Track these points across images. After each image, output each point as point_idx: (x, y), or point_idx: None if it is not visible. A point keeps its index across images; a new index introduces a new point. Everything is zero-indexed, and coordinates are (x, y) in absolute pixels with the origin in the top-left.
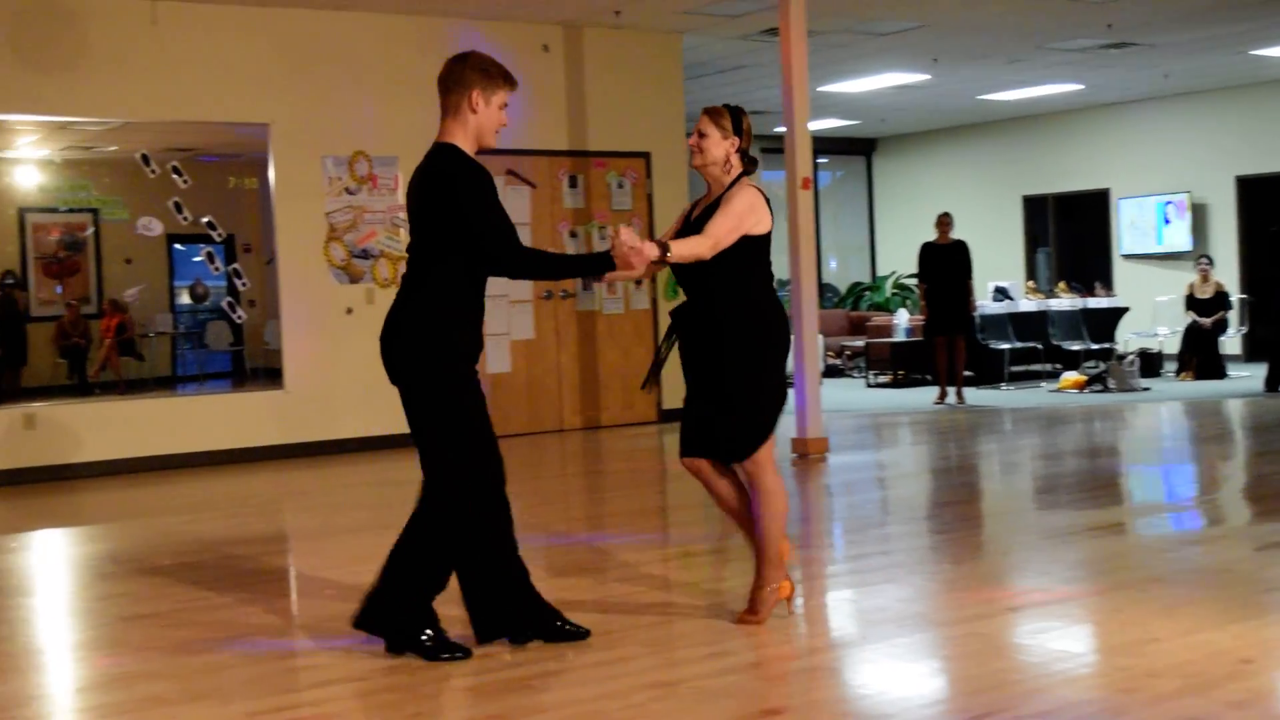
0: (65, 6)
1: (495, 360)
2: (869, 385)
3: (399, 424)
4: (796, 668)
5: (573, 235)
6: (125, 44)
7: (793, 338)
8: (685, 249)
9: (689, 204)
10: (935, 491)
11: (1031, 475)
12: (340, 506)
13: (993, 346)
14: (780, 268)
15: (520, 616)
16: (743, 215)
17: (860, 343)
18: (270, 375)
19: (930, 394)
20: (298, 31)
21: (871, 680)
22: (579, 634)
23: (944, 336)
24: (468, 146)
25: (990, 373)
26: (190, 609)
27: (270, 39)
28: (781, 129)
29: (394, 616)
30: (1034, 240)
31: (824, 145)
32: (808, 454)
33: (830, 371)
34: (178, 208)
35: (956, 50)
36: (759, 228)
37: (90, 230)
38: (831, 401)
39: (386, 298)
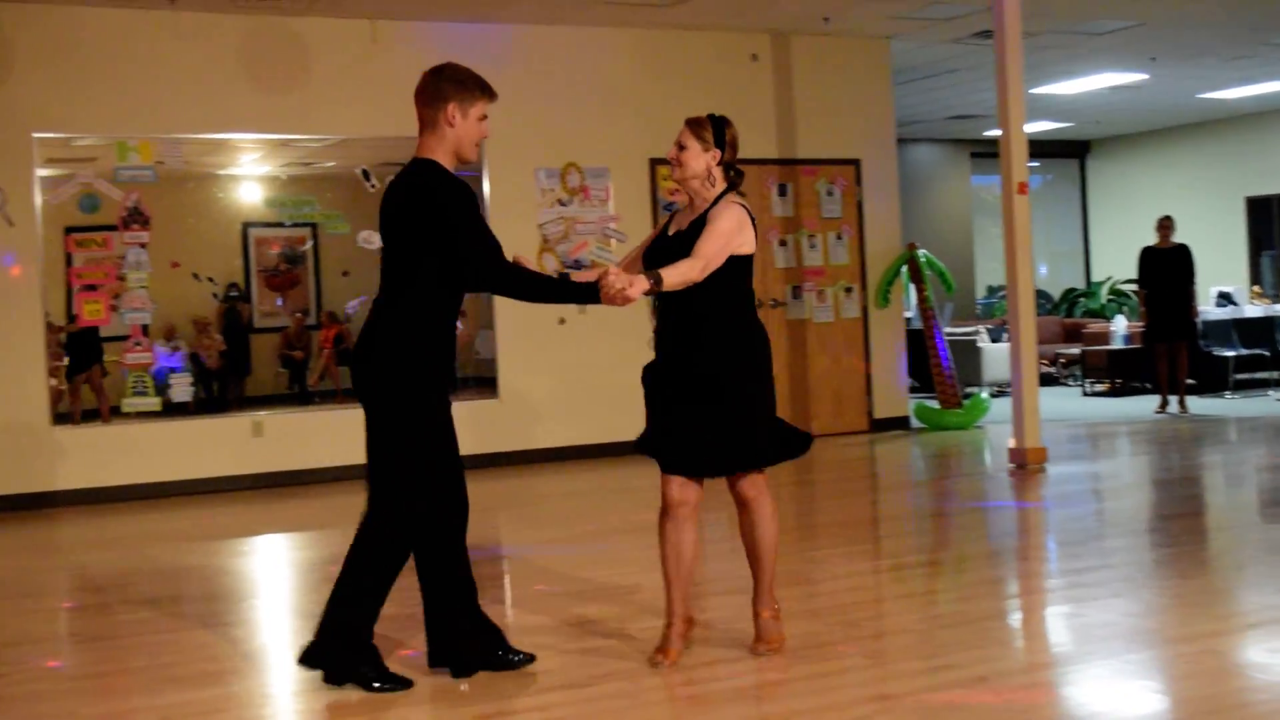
0: (291, 29)
1: None
2: (1085, 394)
3: (612, 433)
4: (1021, 683)
5: (782, 244)
6: (346, 63)
7: (982, 348)
8: (677, 276)
9: (665, 217)
10: (1158, 504)
11: (1259, 488)
12: (556, 515)
13: (1216, 353)
14: (996, 274)
15: (467, 650)
16: (730, 234)
17: (1075, 350)
18: (480, 384)
19: (1150, 403)
20: (510, 45)
21: (1100, 698)
22: (524, 661)
23: (1165, 344)
24: (447, 161)
25: (1213, 381)
26: (412, 614)
27: (484, 53)
28: (992, 133)
29: (334, 647)
30: (1258, 243)
31: (1035, 149)
32: (1025, 464)
33: (1044, 380)
34: None
35: (1176, 48)
36: (744, 247)
37: (309, 244)
38: (1047, 410)
39: (598, 309)
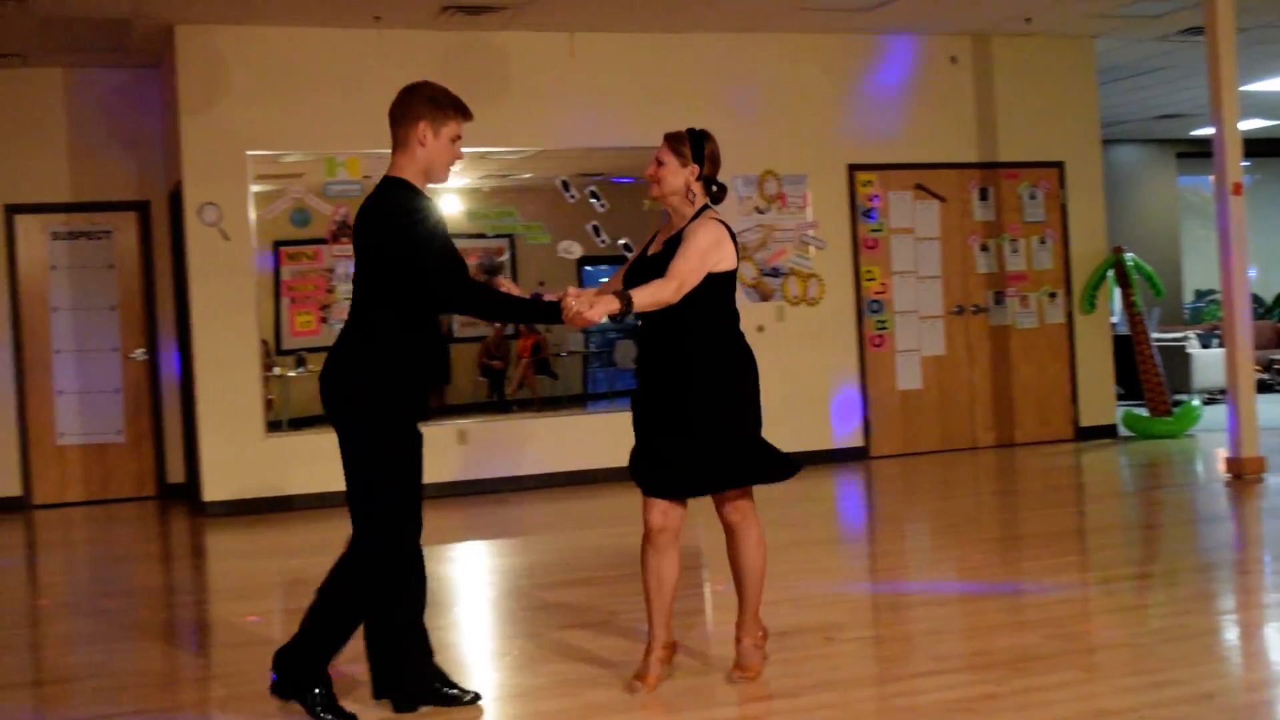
0: (491, 43)
1: (905, 377)
2: None
3: (810, 440)
4: (1246, 701)
5: (984, 249)
6: (544, 75)
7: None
8: (647, 296)
9: (649, 236)
10: None
11: None
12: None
13: None
14: (1204, 277)
15: (413, 683)
16: (706, 252)
17: None
18: None
19: None
20: (706, 54)
21: None
22: (467, 699)
23: None
24: (417, 181)
25: None
26: (621, 620)
27: (680, 63)
28: (1200, 132)
29: (294, 662)
30: None
31: (1244, 147)
32: (1242, 474)
33: (1259, 387)
34: (595, 231)
35: None
36: (723, 264)
37: (506, 255)
38: (1263, 418)
39: (797, 315)
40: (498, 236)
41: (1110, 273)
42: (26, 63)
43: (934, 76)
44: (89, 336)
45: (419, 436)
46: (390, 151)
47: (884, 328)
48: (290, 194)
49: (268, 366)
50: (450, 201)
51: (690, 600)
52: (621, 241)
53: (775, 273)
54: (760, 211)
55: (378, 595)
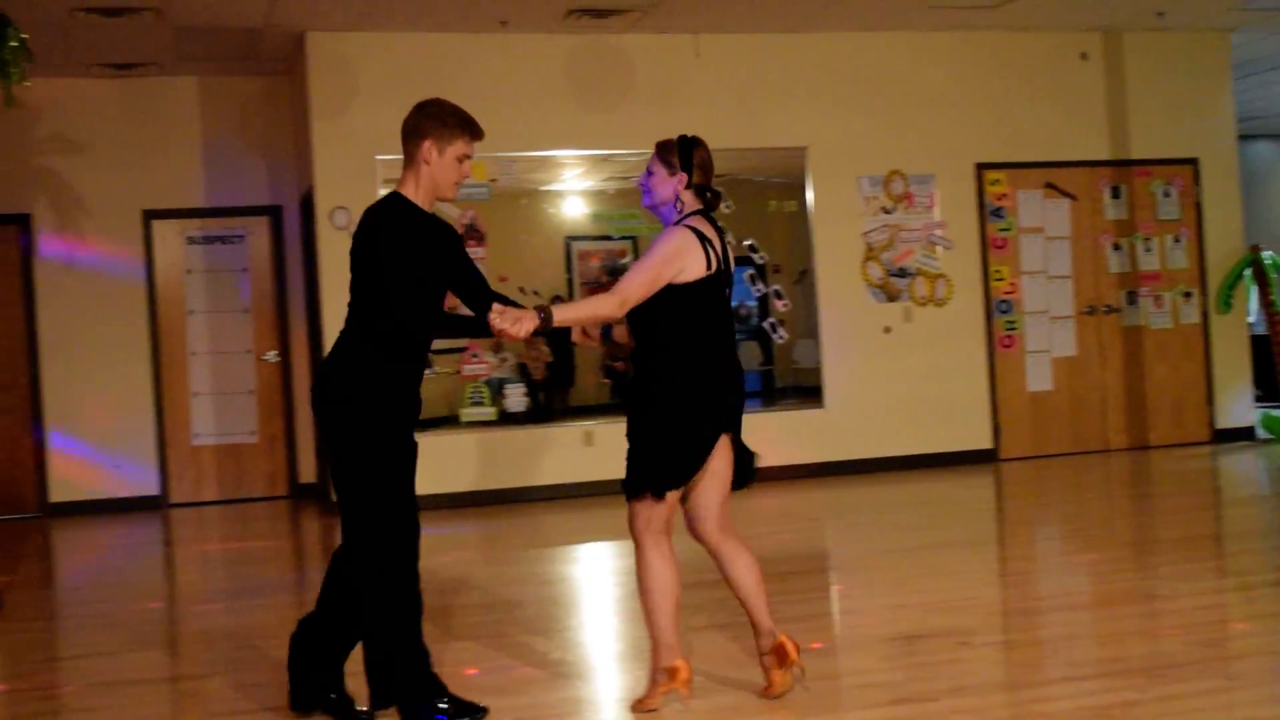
0: (616, 46)
1: (1036, 378)
2: None
3: (942, 443)
4: None
5: (1116, 248)
6: (669, 78)
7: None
8: (578, 312)
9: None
10: None
11: None
12: (883, 526)
13: None
14: None
15: (416, 693)
16: (661, 265)
17: None
18: (799, 393)
19: None
20: (832, 54)
21: None
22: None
23: None
24: (420, 198)
25: None
26: (748, 622)
27: (805, 63)
28: None
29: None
30: None
31: None
32: None
33: None
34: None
35: None
36: (685, 275)
37: (629, 256)
38: None
39: (925, 315)
40: (622, 238)
41: (1247, 271)
42: (163, 71)
43: (1064, 73)
44: (223, 339)
45: (413, 444)
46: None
47: (1013, 328)
48: None
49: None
50: (575, 204)
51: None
52: (747, 242)
53: (902, 273)
54: (887, 211)
55: (376, 602)
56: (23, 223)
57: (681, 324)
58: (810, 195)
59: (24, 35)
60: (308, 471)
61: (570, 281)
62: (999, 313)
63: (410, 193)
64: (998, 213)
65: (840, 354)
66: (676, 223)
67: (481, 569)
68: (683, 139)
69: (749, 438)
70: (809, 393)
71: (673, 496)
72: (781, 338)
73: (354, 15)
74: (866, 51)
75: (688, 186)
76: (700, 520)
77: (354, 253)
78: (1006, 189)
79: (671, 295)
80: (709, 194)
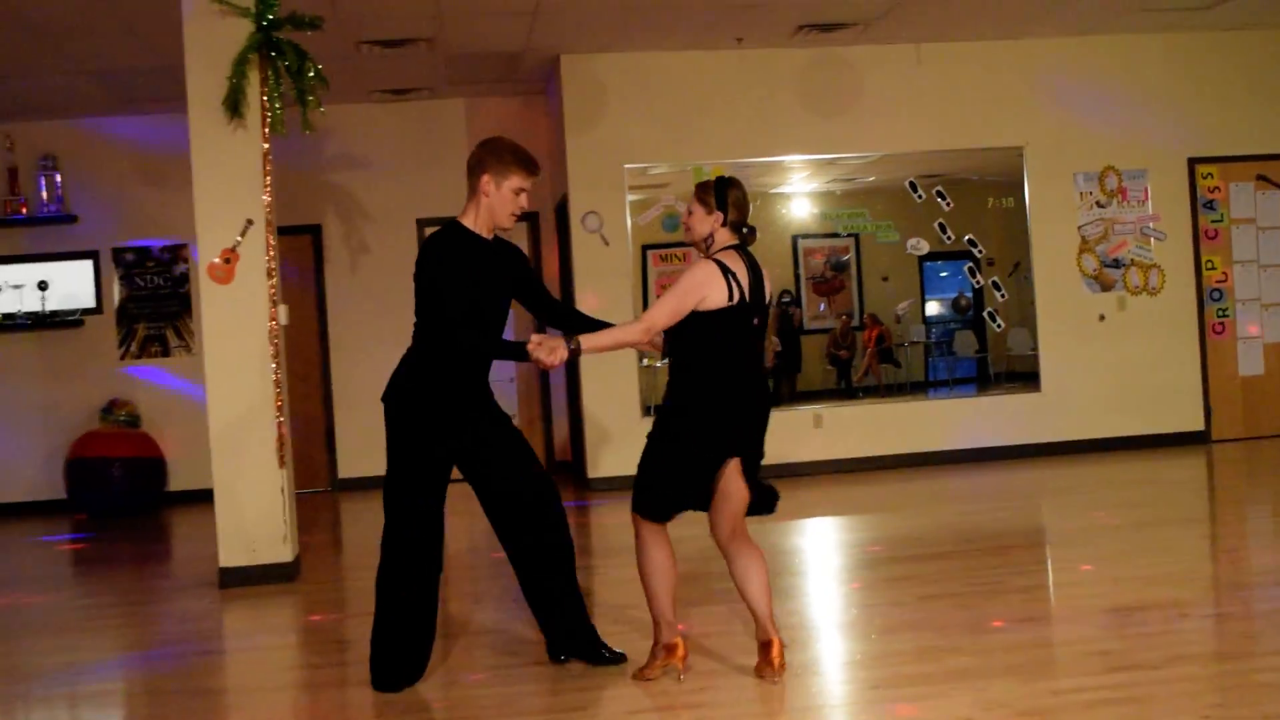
0: (842, 57)
1: (1247, 363)
2: None
3: (1153, 424)
4: None
5: None
6: (892, 84)
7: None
8: (606, 340)
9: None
10: None
11: None
12: (1100, 504)
13: None
14: None
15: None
16: (684, 295)
17: None
18: (1012, 379)
19: None
20: (1048, 57)
21: None
22: None
23: None
24: (479, 226)
25: None
26: (980, 592)
27: (1022, 67)
28: None
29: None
30: None
31: None
32: None
33: None
34: (942, 228)
35: None
36: (708, 303)
37: (851, 254)
38: None
39: (1138, 304)
40: (847, 235)
41: None
42: (434, 95)
43: (1275, 69)
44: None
45: (452, 452)
46: None
47: (1225, 315)
48: (662, 202)
49: (640, 357)
50: (802, 205)
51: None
52: (967, 238)
53: (1116, 264)
54: (1101, 206)
55: (384, 570)
56: (315, 232)
57: (703, 348)
58: (1027, 192)
59: (319, 67)
60: (561, 450)
61: (797, 276)
62: (1211, 300)
63: (470, 221)
64: (1210, 205)
65: (1056, 341)
66: (706, 256)
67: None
68: (719, 180)
69: (970, 420)
70: (1022, 378)
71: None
72: (1000, 326)
73: (603, 38)
74: (1081, 54)
75: (724, 224)
76: (711, 529)
77: (416, 277)
78: (1218, 182)
79: (695, 321)
80: (745, 229)
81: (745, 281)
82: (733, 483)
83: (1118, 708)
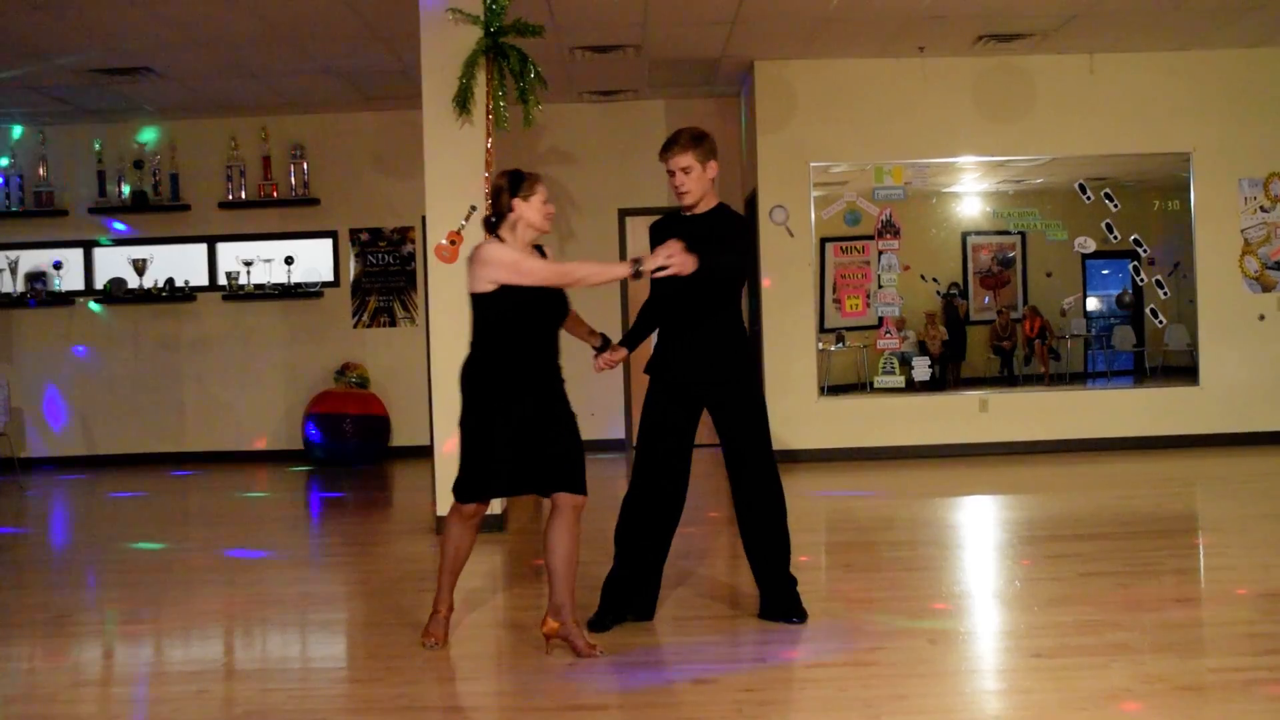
0: (1019, 66)
1: None
2: None
3: None
4: None
5: None
6: (1065, 92)
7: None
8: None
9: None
10: None
11: None
12: (1251, 493)
13: None
14: None
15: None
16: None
17: None
18: (1168, 373)
19: None
20: (1216, 68)
21: None
22: None
23: None
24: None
25: None
26: (1138, 572)
27: (1192, 76)
28: None
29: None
30: None
31: None
32: None
33: None
34: (1108, 228)
35: None
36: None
37: (1016, 250)
38: None
39: None
40: (1016, 232)
41: None
42: (638, 96)
43: None
44: None
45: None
46: None
47: None
48: (845, 198)
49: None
50: (973, 203)
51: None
52: (1133, 238)
53: (1277, 266)
54: (1265, 210)
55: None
56: None
57: (497, 328)
58: (1193, 195)
59: (539, 69)
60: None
61: (965, 270)
62: None
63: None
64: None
65: (1216, 338)
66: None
67: (893, 511)
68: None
69: (1129, 410)
70: (1179, 372)
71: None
72: (1161, 323)
73: (795, 45)
74: (1249, 64)
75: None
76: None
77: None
78: None
79: (499, 297)
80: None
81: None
82: None
83: (1272, 688)
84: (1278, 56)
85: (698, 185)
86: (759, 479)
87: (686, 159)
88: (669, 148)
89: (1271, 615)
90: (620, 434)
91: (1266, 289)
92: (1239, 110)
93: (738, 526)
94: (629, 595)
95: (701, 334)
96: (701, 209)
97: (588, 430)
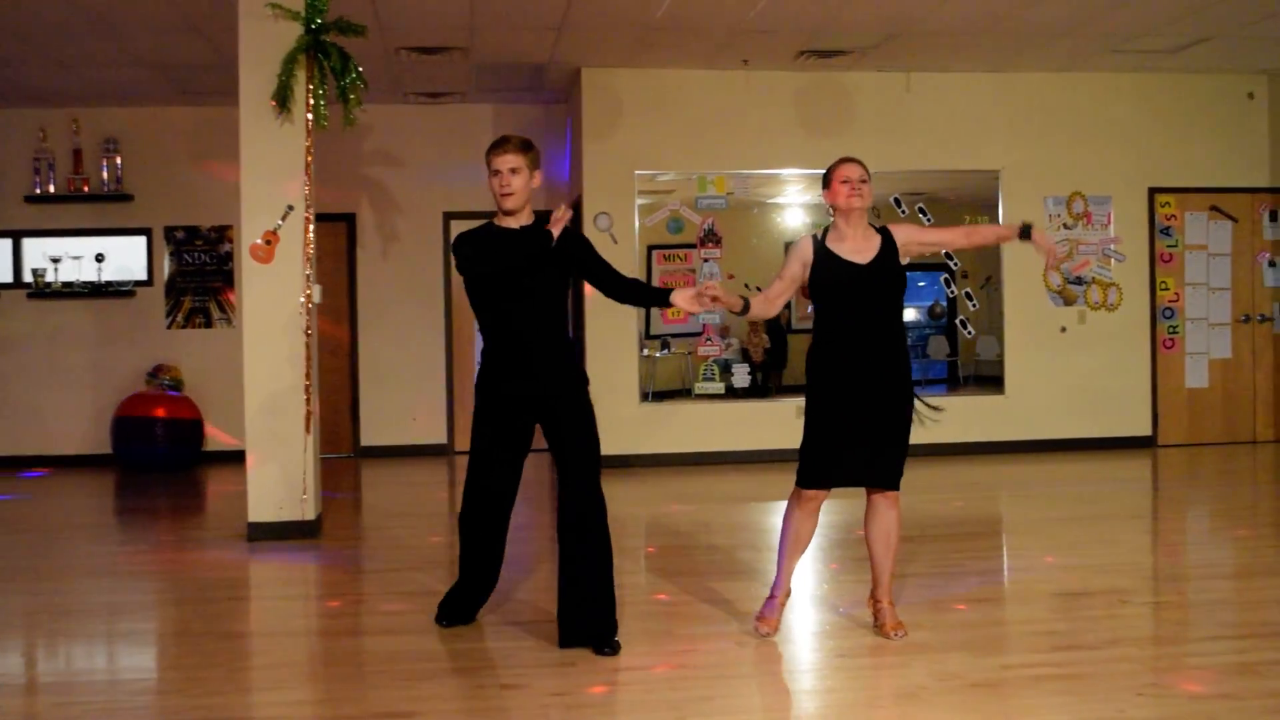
0: (838, 82)
1: (1193, 376)
2: None
3: (1105, 428)
4: None
5: (1271, 265)
6: (883, 109)
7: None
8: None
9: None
10: None
11: None
12: (1051, 498)
13: None
14: None
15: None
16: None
17: None
18: (979, 382)
19: None
20: (1025, 91)
21: None
22: None
23: None
24: (499, 218)
25: None
26: (941, 573)
27: (1002, 98)
28: None
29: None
30: None
31: None
32: None
33: None
34: None
35: None
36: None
37: None
38: None
39: (1097, 319)
40: None
41: None
42: (464, 100)
43: (1231, 110)
44: None
45: (501, 412)
46: None
47: (1175, 332)
48: (669, 207)
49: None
50: (795, 214)
51: None
52: (944, 251)
53: (1079, 281)
54: (1068, 227)
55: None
56: (349, 220)
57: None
58: (1001, 211)
59: (360, 69)
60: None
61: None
62: (1163, 318)
63: (497, 216)
64: (1166, 231)
65: (1021, 349)
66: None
67: (710, 517)
68: None
69: (941, 417)
70: (988, 381)
71: None
72: (971, 334)
73: (621, 54)
74: (1056, 89)
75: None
76: None
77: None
78: (1175, 210)
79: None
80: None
81: None
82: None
83: (1060, 683)
84: (1084, 81)
85: (524, 189)
86: (588, 495)
87: (517, 160)
88: (500, 146)
89: (1064, 614)
90: (442, 439)
91: (1069, 303)
92: (1046, 131)
93: (558, 539)
94: (464, 602)
95: (533, 347)
96: (522, 220)
97: (410, 435)
